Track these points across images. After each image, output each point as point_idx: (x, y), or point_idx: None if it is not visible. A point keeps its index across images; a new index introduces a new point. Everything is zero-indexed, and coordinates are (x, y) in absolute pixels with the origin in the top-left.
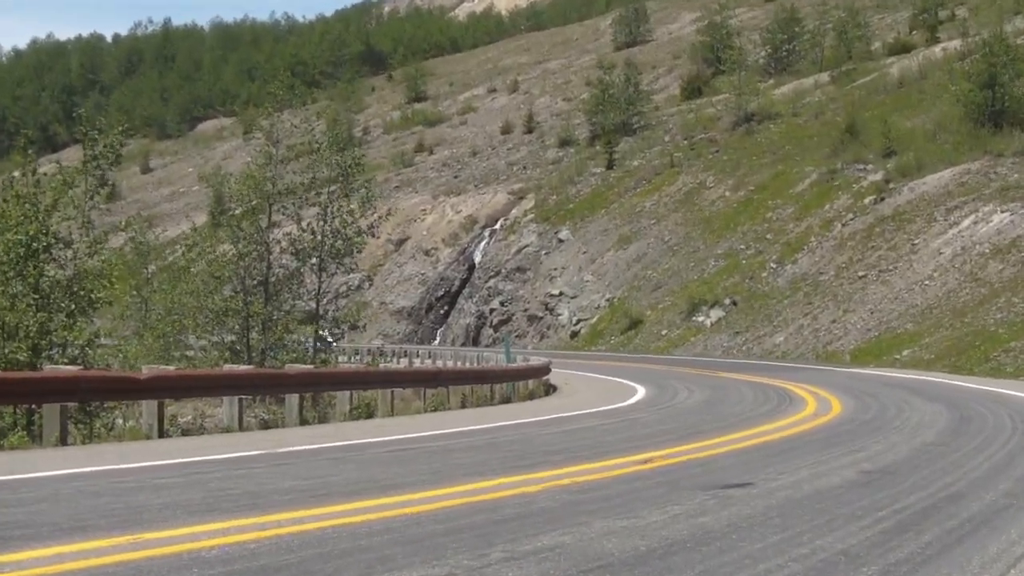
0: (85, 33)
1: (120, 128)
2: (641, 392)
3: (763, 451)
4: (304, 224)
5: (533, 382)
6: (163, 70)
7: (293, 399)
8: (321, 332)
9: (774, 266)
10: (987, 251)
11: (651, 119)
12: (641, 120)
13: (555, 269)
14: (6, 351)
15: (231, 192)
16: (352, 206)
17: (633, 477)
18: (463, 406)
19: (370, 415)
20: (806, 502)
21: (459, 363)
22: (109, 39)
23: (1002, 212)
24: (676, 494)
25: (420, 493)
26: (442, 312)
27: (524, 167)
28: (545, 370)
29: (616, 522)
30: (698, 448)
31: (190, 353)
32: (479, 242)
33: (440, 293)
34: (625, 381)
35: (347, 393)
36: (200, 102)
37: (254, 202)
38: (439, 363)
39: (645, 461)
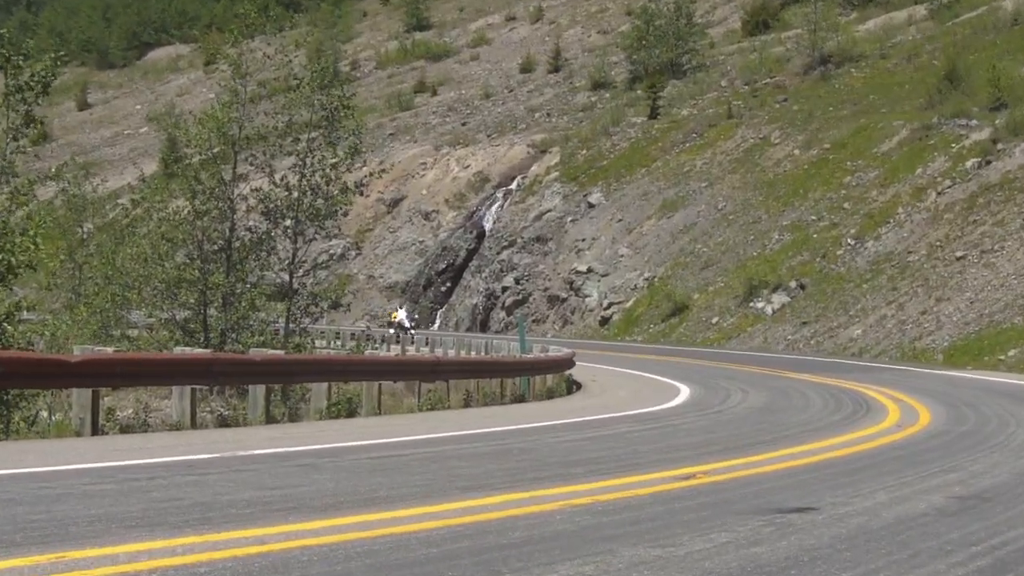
0: None
1: (52, 54)
2: (685, 393)
3: (832, 469)
4: (277, 178)
5: (553, 377)
6: None
7: (258, 391)
8: (396, 318)
9: (852, 242)
10: None
11: (705, 59)
12: (693, 60)
13: (583, 240)
14: None
15: (188, 136)
16: (337, 157)
17: (671, 496)
18: (466, 405)
19: (352, 413)
20: (883, 533)
21: (463, 352)
22: None
23: None
24: (723, 518)
25: (410, 510)
26: (443, 290)
27: (548, 114)
28: (568, 363)
29: (648, 551)
30: (752, 463)
31: (133, 332)
32: (491, 205)
33: (442, 266)
34: (665, 379)
35: (324, 386)
36: (151, 25)
37: (216, 149)
38: (438, 351)
39: (686, 477)
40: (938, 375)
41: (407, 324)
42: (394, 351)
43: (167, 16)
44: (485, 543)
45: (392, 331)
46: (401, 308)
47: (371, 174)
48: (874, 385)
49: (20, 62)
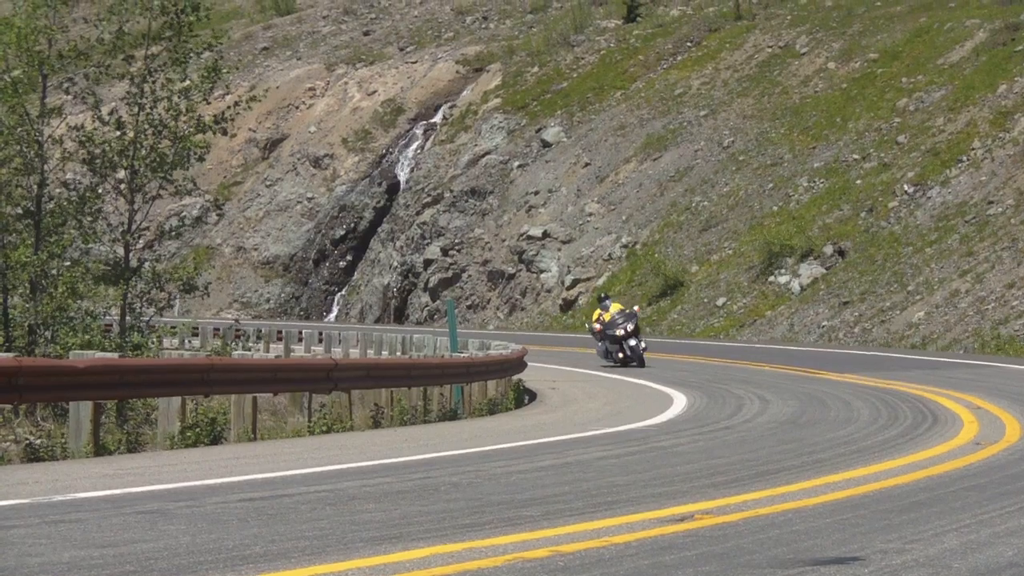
0: None
1: None
2: (680, 403)
3: (883, 504)
4: (105, 112)
5: (496, 385)
6: None
7: (83, 411)
8: (614, 322)
9: (910, 190)
10: None
11: None
12: None
13: (536, 193)
14: None
15: None
16: (188, 81)
17: (660, 545)
18: (375, 425)
19: (216, 439)
20: None
21: (370, 352)
22: None
23: None
24: (733, 574)
25: (296, 571)
26: (342, 266)
27: (484, 18)
28: (517, 364)
29: None
30: (772, 498)
31: None
32: (406, 146)
33: (339, 233)
34: (653, 384)
35: (176, 401)
36: None
37: (16, 72)
38: (335, 351)
39: (681, 519)
40: None
41: (628, 328)
42: (274, 351)
43: None
44: None
45: (608, 348)
46: (608, 298)
47: (237, 104)
48: (942, 388)
49: None
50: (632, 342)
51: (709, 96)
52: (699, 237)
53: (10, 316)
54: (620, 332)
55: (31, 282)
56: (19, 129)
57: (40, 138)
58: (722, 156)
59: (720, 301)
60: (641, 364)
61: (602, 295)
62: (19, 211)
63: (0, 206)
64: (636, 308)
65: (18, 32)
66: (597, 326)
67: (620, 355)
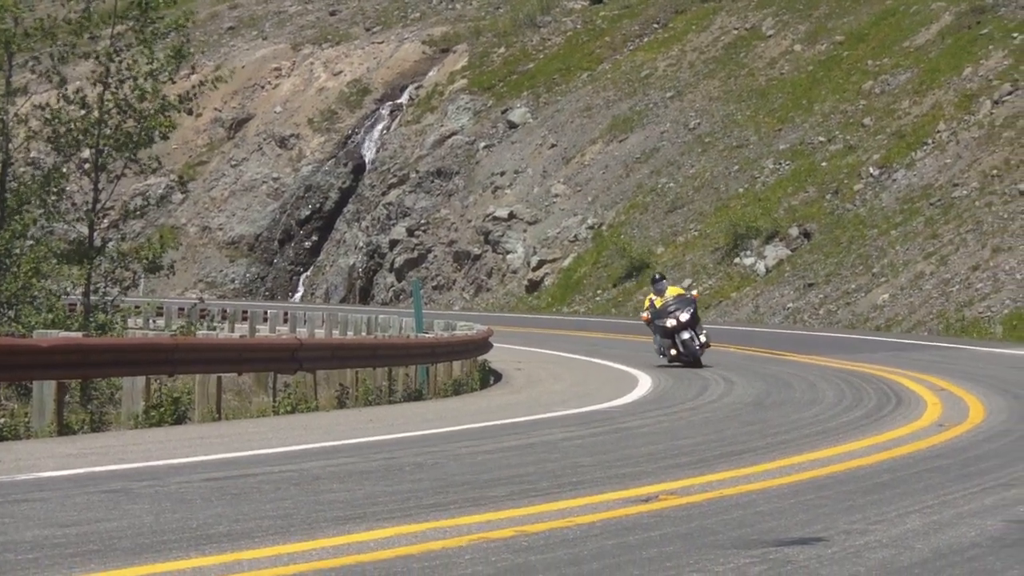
0: None
1: None
2: (645, 384)
3: (847, 485)
4: (70, 91)
5: (461, 365)
6: None
7: (46, 390)
8: (668, 311)
9: (875, 173)
10: None
11: None
12: None
13: (502, 174)
14: None
15: None
16: (154, 61)
17: (624, 525)
18: (340, 405)
19: (180, 418)
20: (917, 572)
21: (335, 332)
22: None
23: None
24: (697, 555)
25: (261, 550)
26: (307, 246)
27: None
28: (482, 345)
29: None
30: (737, 479)
31: None
32: (372, 126)
33: (305, 213)
34: (618, 365)
35: (140, 381)
36: None
37: None
38: (300, 331)
39: (646, 499)
40: (996, 354)
41: (681, 317)
42: (239, 331)
43: None
44: None
45: (663, 345)
46: (663, 279)
47: (202, 83)
48: (906, 370)
49: None
50: (686, 335)
51: (675, 78)
52: (665, 219)
53: None
54: (671, 323)
55: None
56: None
57: (5, 117)
58: (688, 138)
59: (686, 283)
60: (697, 364)
61: (656, 275)
62: None
63: None
64: (695, 293)
65: None
66: (646, 315)
67: (672, 351)
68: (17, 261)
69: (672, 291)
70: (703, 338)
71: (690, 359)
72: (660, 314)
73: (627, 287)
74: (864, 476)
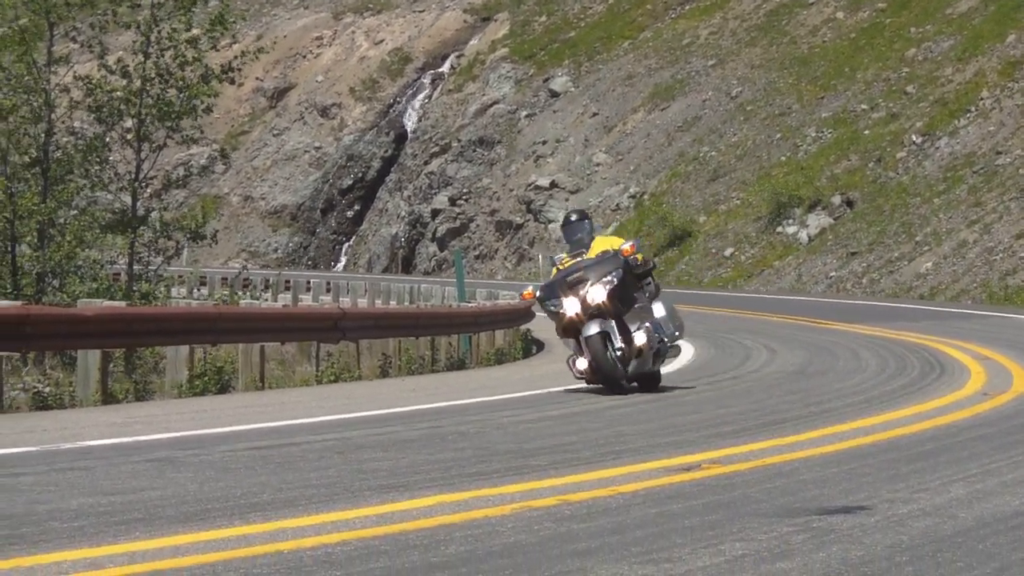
0: None
1: None
2: (687, 353)
3: (890, 454)
4: (111, 61)
5: (504, 335)
6: None
7: (91, 359)
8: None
9: (918, 141)
10: None
11: None
12: None
13: (543, 143)
14: None
15: None
16: (194, 30)
17: (667, 494)
18: (383, 374)
19: (224, 388)
20: (960, 540)
21: (378, 301)
22: None
23: None
24: (739, 523)
25: (304, 519)
26: (350, 215)
27: None
28: (524, 314)
29: (636, 568)
30: (780, 448)
31: None
32: (414, 95)
33: (347, 182)
34: None
35: (184, 350)
36: None
37: (23, 20)
38: (343, 300)
39: (689, 468)
40: None
41: (595, 297)
42: (282, 301)
43: None
44: (408, 563)
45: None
46: (583, 220)
47: (244, 53)
48: (950, 338)
49: None
50: (594, 330)
51: (717, 46)
52: (707, 187)
53: (18, 264)
54: (567, 310)
55: (39, 230)
56: (26, 78)
57: (47, 87)
58: (730, 106)
59: (728, 251)
60: (616, 387)
61: (571, 215)
62: (27, 159)
63: (8, 154)
64: (628, 246)
65: None
66: (529, 291)
67: (579, 362)
68: (61, 231)
69: (600, 244)
70: (642, 338)
71: (605, 379)
72: (553, 289)
73: (670, 256)
74: (907, 445)
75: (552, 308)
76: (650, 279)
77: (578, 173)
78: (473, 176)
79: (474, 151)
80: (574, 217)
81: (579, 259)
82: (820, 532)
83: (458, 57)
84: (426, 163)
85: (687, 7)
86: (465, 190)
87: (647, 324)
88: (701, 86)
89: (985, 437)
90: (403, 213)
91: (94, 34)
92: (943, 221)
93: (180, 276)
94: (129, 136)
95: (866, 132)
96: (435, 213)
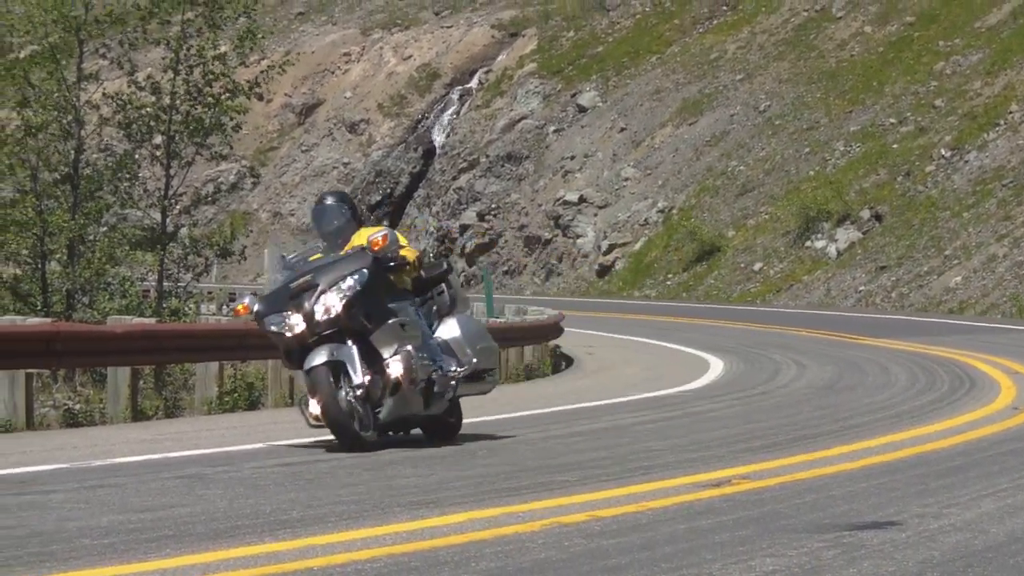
0: None
1: None
2: (717, 368)
3: (921, 469)
4: (141, 78)
5: (533, 350)
6: None
7: (121, 376)
8: (424, 221)
9: (947, 154)
10: None
11: None
12: None
13: (572, 158)
14: None
15: (10, 19)
16: (223, 46)
17: (697, 510)
18: None
19: (253, 404)
20: (991, 556)
21: None
22: None
23: None
24: (769, 539)
25: (335, 535)
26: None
27: None
28: (553, 329)
29: None
30: (810, 463)
31: None
32: (442, 111)
33: (376, 198)
34: (690, 349)
35: (214, 367)
36: None
37: (53, 37)
38: None
39: (718, 483)
40: None
41: (329, 309)
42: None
43: None
44: None
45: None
46: (341, 202)
47: (271, 68)
48: (980, 353)
49: None
50: (319, 359)
51: (745, 60)
52: (735, 202)
53: (48, 281)
54: (292, 327)
55: (69, 247)
56: (56, 95)
57: (77, 104)
58: (758, 120)
59: (757, 266)
60: (356, 442)
61: (326, 199)
62: (57, 176)
63: (38, 171)
64: (381, 235)
65: None
66: (244, 304)
67: (310, 403)
68: (91, 247)
69: (363, 234)
70: (398, 368)
71: (335, 428)
72: (276, 301)
73: (698, 271)
74: (937, 460)
75: (275, 329)
76: (444, 287)
77: (606, 188)
78: (501, 191)
79: (502, 166)
80: (329, 200)
81: (327, 258)
82: (851, 548)
83: (486, 73)
84: (454, 179)
85: (714, 22)
86: (493, 205)
87: (408, 348)
88: (729, 100)
89: (1015, 452)
90: (431, 229)
91: (124, 51)
92: (972, 235)
93: (209, 292)
94: (158, 153)
95: (895, 146)
96: (464, 229)
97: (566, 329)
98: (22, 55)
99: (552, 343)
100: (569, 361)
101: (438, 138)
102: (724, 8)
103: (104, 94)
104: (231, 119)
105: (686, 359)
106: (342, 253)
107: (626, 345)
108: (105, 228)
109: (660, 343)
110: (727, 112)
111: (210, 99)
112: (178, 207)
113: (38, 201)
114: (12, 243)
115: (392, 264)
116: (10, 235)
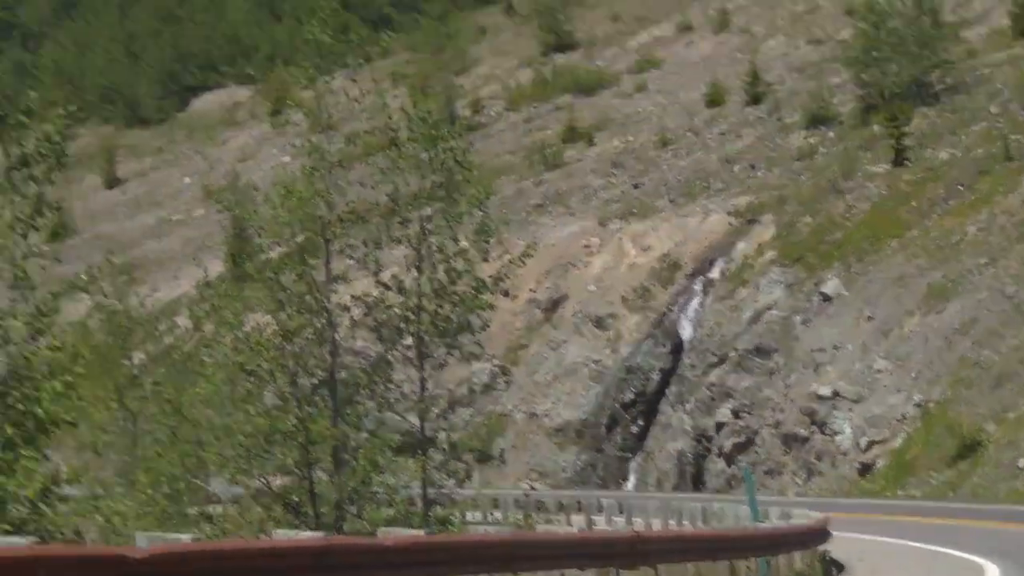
0: None
1: (63, 108)
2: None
3: None
4: (387, 276)
5: (801, 558)
6: (127, 5)
7: None
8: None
9: None
10: None
11: (963, 74)
12: (946, 76)
13: (821, 350)
14: None
15: (259, 219)
16: (462, 241)
17: None
18: None
19: None
20: None
21: (671, 521)
22: None
23: None
24: None
25: None
26: (634, 431)
27: (751, 166)
28: (820, 534)
29: None
30: None
31: (217, 510)
32: (687, 302)
33: (629, 396)
34: (963, 554)
35: None
36: (192, 60)
37: (301, 237)
38: (636, 522)
39: None
40: None
41: None
42: (576, 523)
43: (213, 47)
44: None
45: None
46: None
47: (511, 261)
48: None
49: (23, 122)
50: None
51: (986, 243)
52: (992, 394)
53: (315, 492)
54: None
55: (333, 454)
56: (308, 297)
57: (327, 305)
58: (1007, 306)
59: (1021, 462)
60: None
61: None
62: (315, 381)
63: (298, 377)
64: None
65: (299, 194)
66: None
67: None
68: (355, 455)
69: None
70: None
71: None
72: None
73: (960, 468)
74: None
75: None
76: None
77: (859, 381)
78: (754, 387)
79: (752, 360)
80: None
81: None
82: None
83: (725, 262)
84: (704, 374)
85: (952, 203)
86: (747, 401)
87: None
88: (975, 286)
89: None
90: (687, 427)
91: (368, 250)
92: None
93: (473, 499)
94: (410, 354)
95: None
96: (719, 427)
97: (833, 533)
98: (272, 255)
99: (820, 549)
100: (840, 568)
101: (685, 332)
102: (960, 188)
103: (352, 296)
104: (478, 317)
105: (959, 564)
106: None
107: (897, 550)
108: (365, 434)
109: (931, 547)
110: (974, 298)
111: (455, 297)
112: (435, 410)
113: (299, 409)
114: (279, 452)
115: None
116: (276, 444)
